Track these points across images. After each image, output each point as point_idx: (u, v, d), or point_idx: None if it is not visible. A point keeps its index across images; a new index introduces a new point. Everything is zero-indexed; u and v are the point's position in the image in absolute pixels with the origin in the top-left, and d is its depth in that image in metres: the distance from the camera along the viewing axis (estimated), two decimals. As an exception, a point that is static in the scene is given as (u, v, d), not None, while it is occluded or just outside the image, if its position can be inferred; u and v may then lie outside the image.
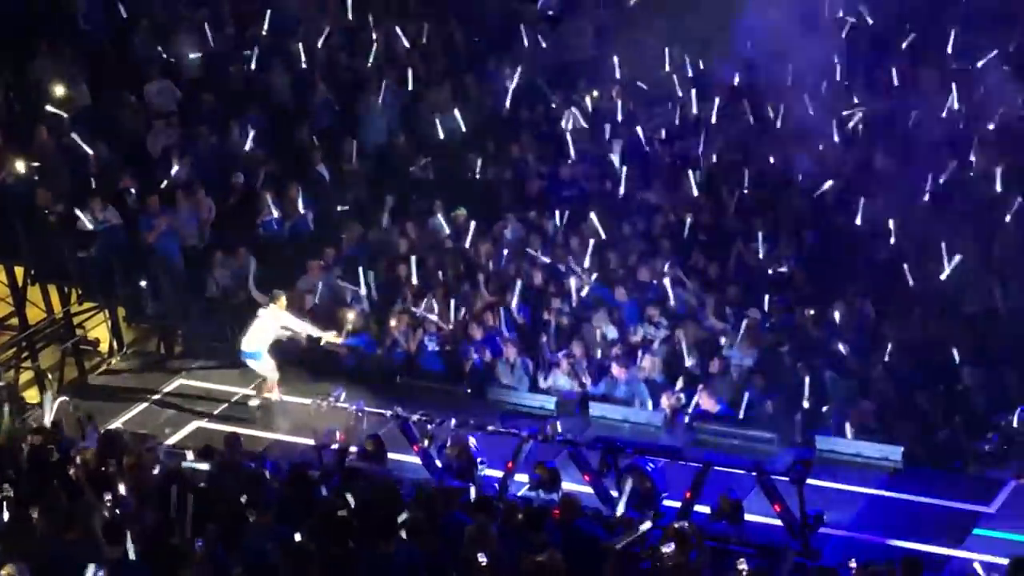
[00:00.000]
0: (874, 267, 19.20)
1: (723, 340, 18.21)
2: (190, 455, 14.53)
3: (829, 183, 20.41)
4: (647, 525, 12.61)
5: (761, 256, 19.53)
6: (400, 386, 18.29)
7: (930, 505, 15.01)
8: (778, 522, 14.15)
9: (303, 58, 23.29)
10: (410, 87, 23.25)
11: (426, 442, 15.76)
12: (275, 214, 20.69)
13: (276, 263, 20.22)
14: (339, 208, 21.40)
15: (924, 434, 16.48)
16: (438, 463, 15.61)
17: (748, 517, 14.12)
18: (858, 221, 19.78)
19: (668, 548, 12.19)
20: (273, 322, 18.19)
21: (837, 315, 18.20)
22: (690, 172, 21.13)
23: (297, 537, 11.49)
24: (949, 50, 22.76)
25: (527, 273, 19.51)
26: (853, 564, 12.34)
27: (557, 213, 20.59)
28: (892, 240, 19.36)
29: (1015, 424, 16.24)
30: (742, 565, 11.92)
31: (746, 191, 20.89)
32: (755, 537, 14.01)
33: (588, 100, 23.20)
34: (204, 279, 20.18)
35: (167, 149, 21.66)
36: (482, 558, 11.25)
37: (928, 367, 17.41)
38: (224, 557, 11.21)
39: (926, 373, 17.33)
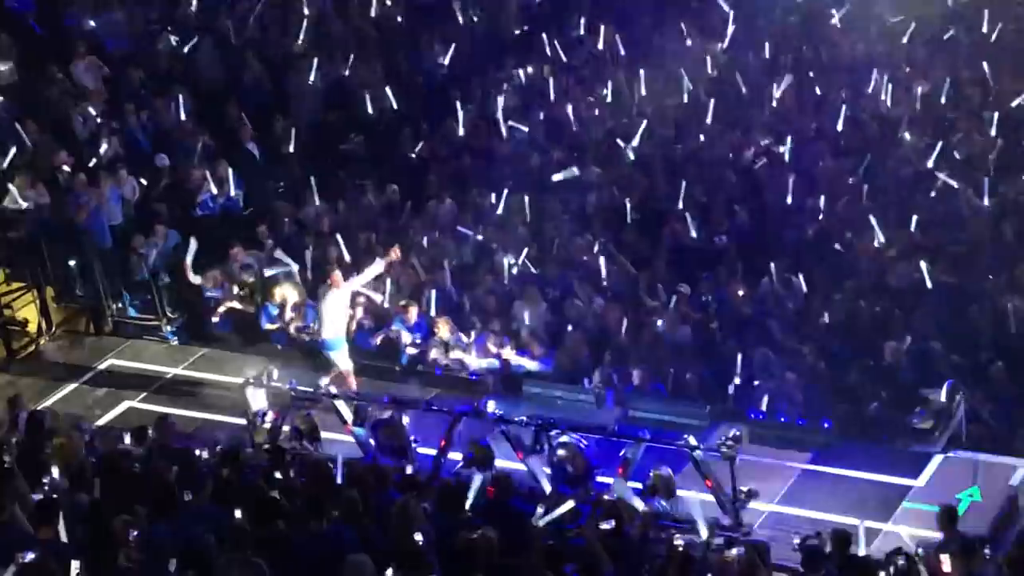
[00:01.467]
0: (804, 244, 19.36)
1: (655, 316, 18.30)
2: (127, 438, 14.43)
3: (762, 160, 20.56)
4: (569, 504, 12.68)
5: (693, 233, 19.64)
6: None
7: (859, 479, 15.15)
8: (710, 497, 14.26)
9: (232, 35, 23.13)
10: (341, 64, 23.15)
11: (359, 421, 15.73)
12: (213, 191, 20.56)
13: (210, 241, 20.10)
14: (272, 185, 21.31)
15: (853, 409, 16.65)
16: (372, 442, 15.60)
17: (680, 493, 14.22)
18: (788, 199, 19.96)
19: (607, 524, 12.26)
20: (342, 301, 17.44)
21: (767, 291, 18.35)
22: (623, 149, 21.20)
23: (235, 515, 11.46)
24: (872, 27, 23.01)
25: (459, 251, 19.50)
26: (796, 539, 12.46)
27: (490, 191, 20.58)
28: (822, 217, 19.54)
29: (942, 398, 16.44)
30: (678, 540, 12.01)
31: (678, 168, 20.99)
32: (687, 512, 14.15)
33: (521, 77, 23.20)
34: (131, 259, 20.03)
35: (94, 127, 21.45)
36: (418, 536, 11.27)
37: (857, 342, 17.60)
38: (157, 538, 11.15)
39: (855, 348, 17.51)
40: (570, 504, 12.72)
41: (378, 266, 17.72)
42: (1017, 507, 14.52)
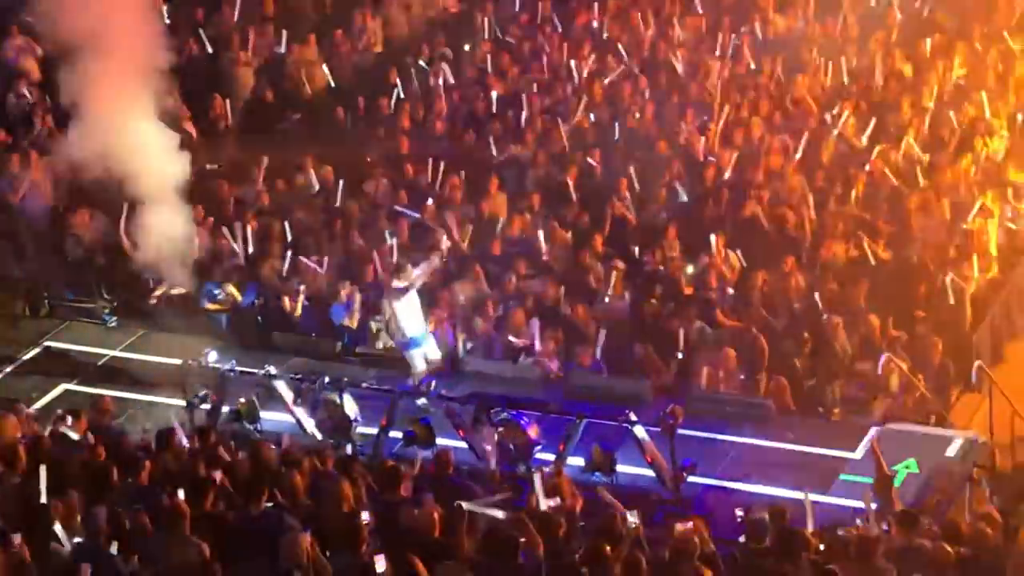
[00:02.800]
0: (741, 219, 19.46)
1: (595, 292, 18.35)
2: (69, 420, 14.31)
3: (701, 140, 20.65)
4: (506, 494, 12.71)
5: (632, 209, 19.69)
6: (273, 344, 18.10)
7: (797, 452, 15.24)
8: (650, 472, 14.32)
9: (166, 14, 22.93)
10: (277, 42, 23.03)
11: (299, 401, 15.67)
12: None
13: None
14: (208, 166, 21.16)
15: (791, 382, 16.76)
16: (311, 421, 15.55)
17: (620, 468, 14.28)
18: (727, 175, 20.07)
19: (552, 502, 12.29)
20: (415, 296, 16.62)
21: (706, 267, 18.44)
22: (561, 126, 21.23)
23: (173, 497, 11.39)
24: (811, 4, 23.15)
25: (396, 230, 19.45)
26: (742, 512, 12.55)
27: (428, 169, 20.55)
28: (759, 192, 19.64)
29: (879, 371, 16.59)
30: (632, 518, 12.07)
31: (617, 145, 21.05)
32: (628, 487, 14.22)
33: (459, 54, 23.17)
34: (67, 240, 19.84)
35: (27, 106, 21.21)
36: (365, 516, 11.27)
37: (794, 317, 17.72)
38: (94, 520, 11.08)
39: (792, 323, 17.63)
40: (507, 495, 12.75)
41: (435, 259, 17.04)
42: (952, 478, 14.66)
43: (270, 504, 11.58)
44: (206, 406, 15.56)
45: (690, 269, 18.42)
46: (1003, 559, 11.32)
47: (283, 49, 23.08)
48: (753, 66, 22.50)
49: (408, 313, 16.35)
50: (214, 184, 20.60)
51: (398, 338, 16.55)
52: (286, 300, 18.39)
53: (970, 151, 20.19)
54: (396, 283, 16.36)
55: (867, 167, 19.91)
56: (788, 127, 21.06)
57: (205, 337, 17.77)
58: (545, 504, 12.16)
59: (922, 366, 16.90)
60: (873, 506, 12.67)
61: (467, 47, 23.40)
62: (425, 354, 16.39)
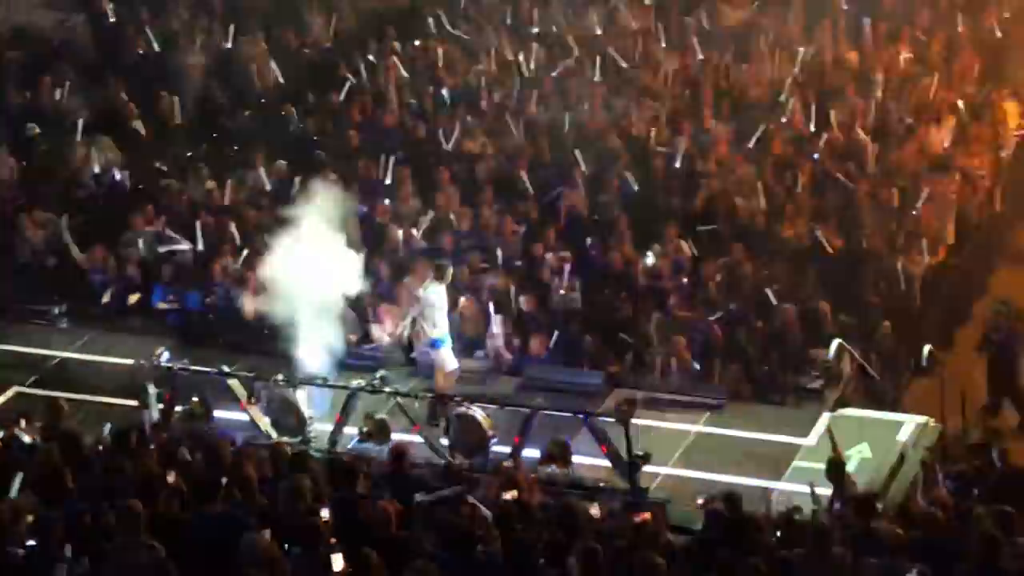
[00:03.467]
0: (693, 209, 19.53)
1: (548, 284, 18.38)
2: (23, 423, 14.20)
3: (652, 131, 20.72)
4: (457, 489, 12.75)
5: (584, 200, 19.72)
6: (226, 343, 18.02)
7: (751, 439, 15.32)
8: (606, 462, 14.37)
9: (111, 12, 22.81)
10: (224, 38, 22.93)
11: (253, 399, 15.62)
12: (97, 169, 20.25)
13: (96, 220, 19.80)
14: (157, 164, 21.06)
15: (744, 370, 16.85)
16: (266, 419, 15.50)
17: (576, 459, 14.31)
18: (677, 164, 20.14)
19: (509, 495, 12.32)
20: (442, 298, 16.52)
21: (657, 257, 18.50)
22: (511, 120, 21.23)
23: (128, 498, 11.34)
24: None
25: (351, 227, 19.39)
26: (700, 501, 12.61)
27: (378, 164, 20.51)
28: (710, 181, 19.72)
29: (831, 358, 16.69)
30: (594, 510, 12.12)
31: (568, 137, 21.08)
32: (584, 478, 14.28)
33: (409, 49, 23.15)
34: (15, 241, 19.69)
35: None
36: (324, 512, 11.26)
37: (746, 305, 17.80)
38: (48, 523, 11.01)
39: (744, 311, 17.71)
40: (458, 489, 12.77)
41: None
42: (904, 462, 14.77)
43: (227, 503, 11.54)
44: (159, 406, 15.47)
45: (650, 260, 18.46)
46: (955, 542, 11.40)
47: (231, 45, 22.97)
48: (701, 57, 22.56)
49: (438, 311, 16.30)
50: (164, 183, 20.48)
51: (423, 340, 16.41)
52: (246, 300, 18.29)
53: (918, 137, 20.34)
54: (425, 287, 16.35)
55: (815, 155, 20.02)
56: (736, 117, 21.15)
57: (157, 337, 17.67)
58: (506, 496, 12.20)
59: (873, 351, 17.03)
60: (827, 491, 12.78)
61: (416, 42, 23.35)
62: (447, 356, 16.31)
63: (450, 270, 16.58)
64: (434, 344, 16.30)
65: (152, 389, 15.66)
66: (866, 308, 17.79)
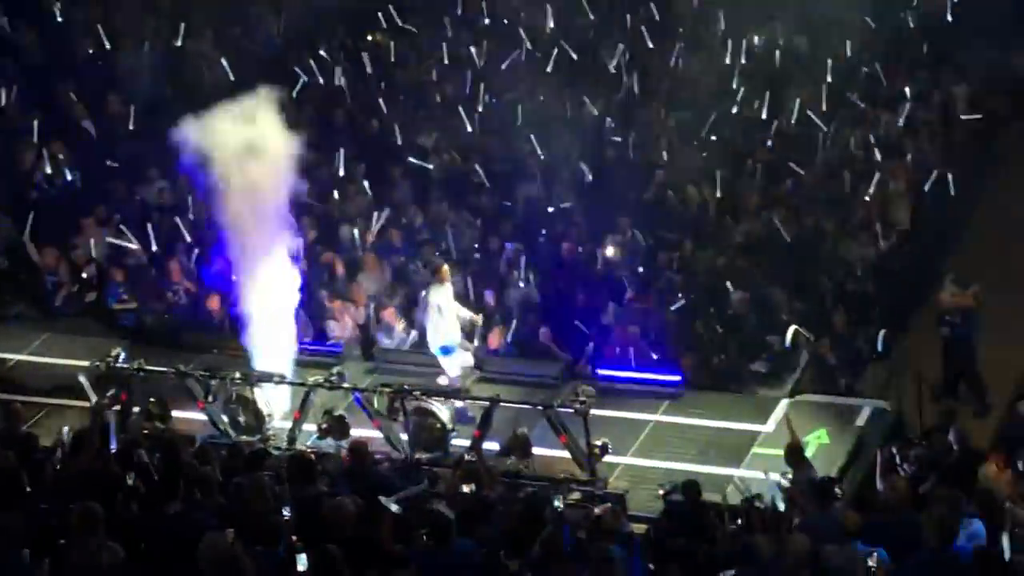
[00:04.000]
0: (646, 199, 19.60)
1: (505, 277, 18.40)
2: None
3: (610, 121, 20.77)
4: (423, 486, 12.75)
5: (539, 193, 19.74)
6: (182, 342, 17.93)
7: (710, 427, 15.37)
8: (566, 454, 14.39)
9: (58, 13, 22.64)
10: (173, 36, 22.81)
11: (210, 398, 15.56)
12: (48, 170, 20.12)
13: (48, 222, 19.68)
14: (108, 164, 20.94)
15: (701, 359, 16.91)
16: (224, 418, 15.45)
17: (536, 451, 14.33)
18: (630, 155, 20.20)
19: (468, 487, 12.33)
20: (447, 299, 16.07)
21: (613, 248, 18.55)
22: (464, 112, 21.23)
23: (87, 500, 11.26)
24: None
25: (305, 225, 19.34)
26: (661, 491, 12.66)
27: (331, 160, 20.47)
28: (663, 172, 19.78)
29: (786, 344, 16.77)
30: (557, 503, 12.12)
31: (522, 128, 21.10)
32: (544, 470, 14.31)
33: (360, 44, 23.10)
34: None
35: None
36: (286, 511, 11.23)
37: (701, 294, 17.87)
38: (6, 527, 10.93)
39: (700, 299, 17.78)
40: (423, 486, 12.78)
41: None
42: (863, 446, 14.87)
43: (186, 503, 11.48)
44: (116, 407, 15.37)
45: (609, 251, 18.49)
46: (913, 526, 11.47)
47: (180, 43, 22.85)
48: (651, 45, 22.62)
49: (436, 316, 16.00)
50: (115, 183, 20.36)
51: (434, 344, 16.13)
52: (213, 299, 18.23)
53: (872, 121, 20.47)
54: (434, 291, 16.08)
55: (768, 142, 20.12)
56: (689, 105, 21.22)
57: (113, 338, 17.58)
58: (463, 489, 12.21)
59: (829, 336, 17.12)
60: (786, 477, 12.85)
61: (368, 37, 23.32)
62: (459, 360, 16.07)
63: (446, 268, 16.26)
64: (445, 351, 16.06)
65: (109, 390, 15.56)
66: (821, 294, 17.87)
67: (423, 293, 16.36)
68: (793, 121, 20.48)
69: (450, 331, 16.02)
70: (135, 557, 10.70)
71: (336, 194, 19.99)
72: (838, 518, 11.41)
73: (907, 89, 21.12)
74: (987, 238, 20.06)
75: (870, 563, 10.35)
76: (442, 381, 15.89)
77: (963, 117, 20.97)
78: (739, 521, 12.01)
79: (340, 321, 17.76)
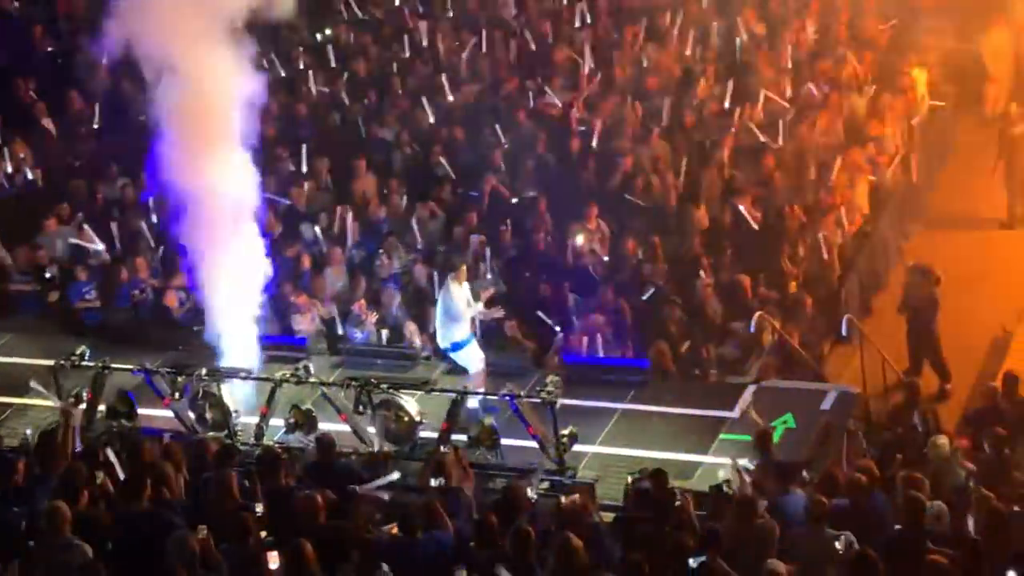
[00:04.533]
0: (610, 189, 19.62)
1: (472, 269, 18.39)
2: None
3: (574, 111, 20.76)
4: (395, 476, 12.75)
5: (503, 184, 19.74)
6: (147, 340, 17.85)
7: (677, 414, 15.38)
8: (533, 443, 14.40)
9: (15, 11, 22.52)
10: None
11: (176, 395, 15.49)
12: (8, 169, 20.00)
13: (10, 221, 19.58)
14: (71, 162, 20.84)
15: (667, 346, 16.92)
16: (191, 415, 15.40)
17: (504, 441, 14.34)
18: (594, 144, 20.21)
19: (436, 481, 12.34)
20: (462, 299, 15.83)
21: (581, 237, 18.57)
22: (426, 104, 21.21)
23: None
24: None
25: (266, 219, 19.28)
26: (629, 479, 12.68)
27: (293, 153, 20.43)
28: (626, 160, 19.81)
29: (752, 329, 16.82)
30: (531, 492, 12.14)
31: (483, 120, 21.09)
32: (512, 460, 14.33)
33: (318, 36, 23.05)
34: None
35: None
36: (259, 508, 11.24)
37: (667, 281, 17.91)
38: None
39: (665, 286, 17.81)
40: (395, 476, 12.79)
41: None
42: (829, 430, 14.91)
43: (153, 502, 11.46)
44: (82, 406, 15.31)
45: (579, 240, 18.50)
46: (880, 508, 11.56)
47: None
48: (616, 35, 22.65)
49: (448, 315, 15.84)
50: (77, 181, 20.26)
51: (445, 341, 15.98)
52: (171, 295, 18.15)
53: (831, 109, 20.54)
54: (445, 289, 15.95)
55: (732, 129, 20.17)
56: (651, 93, 21.25)
57: (78, 335, 17.48)
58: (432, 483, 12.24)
59: (794, 322, 17.19)
60: (753, 462, 12.91)
61: (327, 29, 23.26)
62: (475, 355, 15.88)
63: (463, 267, 16.12)
64: (456, 347, 15.90)
65: (74, 389, 15.50)
66: (785, 279, 17.94)
67: (440, 292, 16.05)
68: (757, 108, 20.51)
69: (463, 328, 15.82)
70: (103, 556, 10.68)
71: (299, 188, 19.91)
72: (805, 502, 11.49)
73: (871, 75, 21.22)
74: (944, 222, 20.24)
75: (837, 546, 10.42)
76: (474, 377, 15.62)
77: (924, 103, 21.07)
78: (707, 507, 12.08)
79: (305, 315, 17.70)
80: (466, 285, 16.06)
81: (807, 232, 18.45)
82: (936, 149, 21.35)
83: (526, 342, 17.25)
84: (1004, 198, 20.37)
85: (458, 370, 15.86)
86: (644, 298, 17.49)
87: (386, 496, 11.77)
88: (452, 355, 15.98)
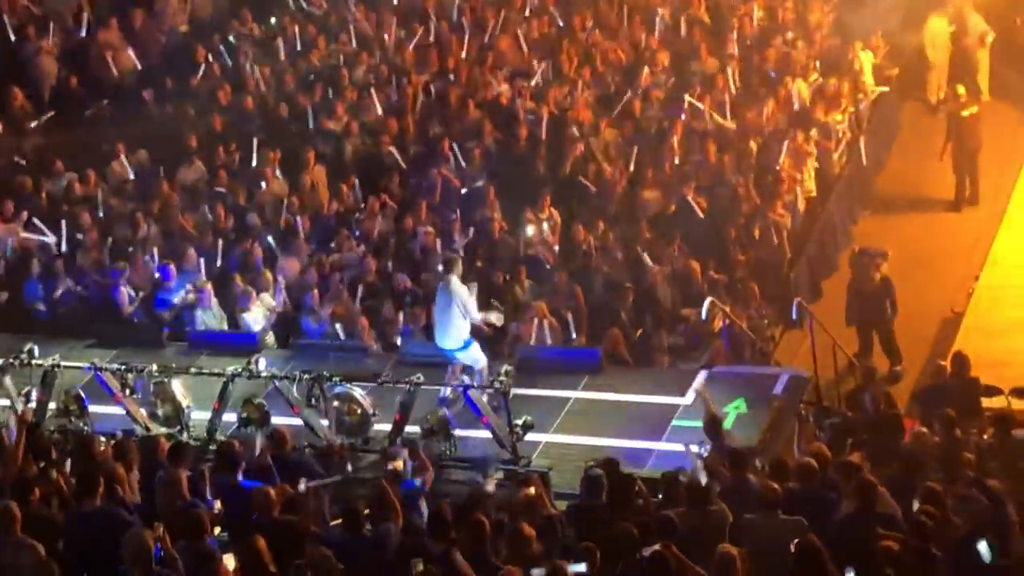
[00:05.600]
0: (560, 177, 19.65)
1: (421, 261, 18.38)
2: None
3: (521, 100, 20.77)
4: (337, 478, 12.75)
5: (454, 173, 19.72)
6: (98, 336, 17.71)
7: (630, 402, 15.42)
8: (487, 434, 14.42)
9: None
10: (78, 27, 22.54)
11: (127, 392, 15.40)
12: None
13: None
14: (15, 159, 20.66)
15: (619, 333, 16.95)
16: (142, 412, 15.32)
17: (457, 432, 14.35)
18: (542, 133, 20.23)
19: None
20: (463, 294, 15.16)
21: (532, 226, 18.58)
22: (375, 95, 21.16)
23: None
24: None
25: (217, 213, 19.21)
26: (593, 471, 12.71)
27: (242, 147, 20.33)
28: (580, 147, 19.83)
29: (702, 316, 16.87)
30: (489, 486, 12.15)
31: (432, 109, 21.06)
32: (467, 451, 14.34)
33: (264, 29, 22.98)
34: None
35: None
36: (216, 505, 11.21)
37: (617, 269, 17.95)
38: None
39: (615, 274, 17.86)
40: (337, 478, 12.80)
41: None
42: (781, 415, 14.99)
43: (106, 500, 11.40)
44: (31, 404, 15.20)
45: (529, 231, 18.49)
46: (832, 493, 11.63)
47: (85, 33, 22.58)
48: (562, 24, 22.66)
49: (453, 313, 15.18)
50: (23, 178, 20.10)
51: (456, 340, 15.30)
52: (123, 291, 18.02)
53: (778, 93, 20.64)
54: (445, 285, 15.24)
55: (681, 116, 20.23)
56: (598, 83, 21.29)
57: (27, 333, 17.34)
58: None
59: (744, 307, 17.27)
60: (705, 448, 12.97)
61: (272, 20, 23.19)
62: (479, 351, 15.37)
63: (459, 261, 15.53)
64: (467, 344, 15.31)
65: (23, 387, 15.38)
66: (734, 265, 18.02)
67: (442, 291, 15.29)
68: (700, 93, 20.58)
69: (466, 325, 15.31)
70: (54, 555, 10.62)
71: (249, 181, 19.85)
72: (757, 488, 11.54)
73: (815, 58, 21.31)
74: (892, 206, 20.38)
75: (789, 531, 10.47)
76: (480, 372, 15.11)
77: (870, 88, 21.19)
78: (661, 495, 12.12)
79: (255, 308, 17.63)
80: (458, 280, 15.31)
81: (756, 217, 18.52)
82: (882, 133, 21.48)
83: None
84: (951, 180, 20.50)
85: (413, 364, 15.73)
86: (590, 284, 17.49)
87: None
88: (460, 354, 15.32)
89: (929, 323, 18.09)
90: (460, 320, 15.10)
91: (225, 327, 17.57)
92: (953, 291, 18.54)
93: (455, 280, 15.13)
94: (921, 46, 22.28)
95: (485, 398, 14.47)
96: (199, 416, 15.21)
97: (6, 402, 15.47)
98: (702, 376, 15.45)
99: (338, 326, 17.23)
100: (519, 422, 14.22)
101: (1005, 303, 18.05)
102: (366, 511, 11.32)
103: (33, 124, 21.03)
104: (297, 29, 22.71)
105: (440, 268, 16.13)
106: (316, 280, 17.94)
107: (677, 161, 19.54)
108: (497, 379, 14.29)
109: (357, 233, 18.85)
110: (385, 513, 11.27)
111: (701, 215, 18.58)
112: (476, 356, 15.28)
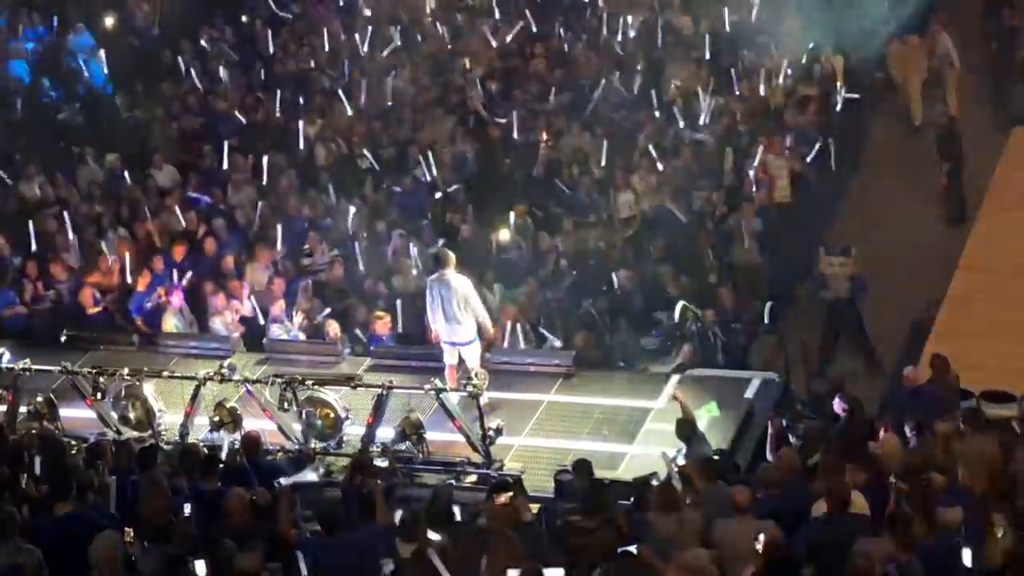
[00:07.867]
0: (533, 180, 19.67)
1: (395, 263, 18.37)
2: None
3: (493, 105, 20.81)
4: (311, 476, 12.72)
5: (426, 175, 19.72)
6: (68, 341, 17.63)
7: (602, 405, 15.43)
8: (460, 437, 14.41)
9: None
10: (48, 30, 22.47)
11: (98, 395, 15.33)
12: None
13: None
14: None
15: (592, 337, 16.98)
16: (114, 415, 15.27)
17: (430, 436, 14.34)
18: (515, 135, 20.24)
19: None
20: (463, 289, 15.11)
21: (504, 230, 18.59)
22: (344, 98, 21.15)
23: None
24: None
25: (187, 216, 19.16)
26: (565, 474, 12.72)
27: (214, 151, 20.29)
28: (547, 151, 19.85)
29: (675, 319, 16.89)
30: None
31: (404, 114, 21.05)
32: (439, 454, 14.33)
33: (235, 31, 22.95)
34: None
35: None
36: (187, 509, 11.17)
37: (589, 272, 17.97)
38: None
39: (588, 278, 17.87)
40: (312, 476, 12.75)
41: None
42: (753, 418, 15.03)
43: (77, 504, 11.34)
44: (2, 408, 15.13)
45: (504, 235, 18.48)
46: (803, 497, 11.63)
47: (55, 37, 22.51)
48: (535, 29, 22.68)
49: (455, 307, 15.11)
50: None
51: (466, 335, 15.19)
52: (87, 294, 17.95)
53: (754, 97, 20.68)
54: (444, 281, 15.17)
55: (653, 120, 20.26)
56: (570, 85, 21.32)
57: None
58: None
59: (716, 310, 17.28)
60: (680, 453, 12.98)
61: (244, 19, 23.19)
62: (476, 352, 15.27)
63: (451, 255, 15.45)
64: (471, 342, 15.31)
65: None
66: (707, 269, 18.05)
67: (443, 290, 15.15)
68: (673, 97, 20.61)
69: (469, 318, 15.16)
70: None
71: (220, 185, 19.80)
72: (730, 493, 11.54)
73: (786, 64, 21.33)
74: (861, 211, 20.41)
75: (761, 536, 10.47)
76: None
77: (841, 93, 21.21)
78: (633, 499, 12.13)
79: (225, 313, 17.58)
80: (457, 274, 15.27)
81: (729, 220, 18.56)
82: (853, 137, 21.51)
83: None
84: (926, 186, 20.45)
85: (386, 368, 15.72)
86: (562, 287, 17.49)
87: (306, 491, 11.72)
88: (464, 348, 15.23)
89: (899, 327, 18.12)
90: (463, 313, 14.98)
91: (195, 331, 17.53)
92: (923, 296, 18.57)
93: (451, 273, 15.05)
94: (887, 61, 22.22)
95: (457, 400, 14.47)
96: (171, 420, 15.16)
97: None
98: (674, 380, 15.48)
99: (304, 329, 17.20)
100: (491, 425, 14.23)
101: (975, 308, 18.09)
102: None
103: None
104: (269, 33, 22.66)
105: (433, 264, 15.84)
106: (286, 285, 17.91)
107: (655, 165, 19.54)
108: (470, 382, 14.29)
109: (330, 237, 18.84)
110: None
111: (674, 218, 18.59)
112: (477, 352, 15.22)
